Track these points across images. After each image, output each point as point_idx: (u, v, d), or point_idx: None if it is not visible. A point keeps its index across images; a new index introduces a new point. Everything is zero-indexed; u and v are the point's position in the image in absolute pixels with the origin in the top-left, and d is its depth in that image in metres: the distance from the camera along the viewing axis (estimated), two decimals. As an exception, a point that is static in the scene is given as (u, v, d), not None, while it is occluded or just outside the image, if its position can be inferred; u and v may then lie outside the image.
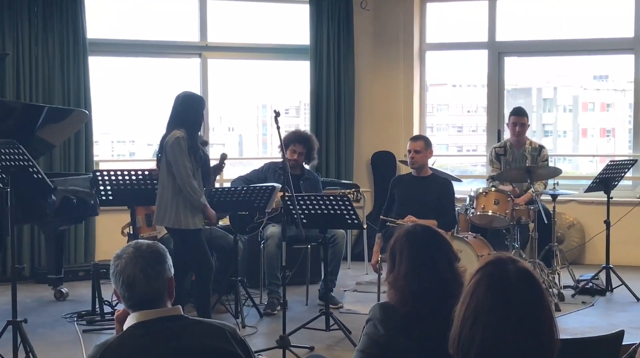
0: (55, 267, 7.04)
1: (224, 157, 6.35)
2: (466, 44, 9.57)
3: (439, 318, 2.67)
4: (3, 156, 5.06)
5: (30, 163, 5.24)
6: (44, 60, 8.06)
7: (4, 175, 5.13)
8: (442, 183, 6.66)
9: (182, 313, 2.57)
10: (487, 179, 7.59)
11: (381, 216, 6.54)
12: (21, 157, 5.14)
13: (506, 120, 8.02)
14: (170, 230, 5.73)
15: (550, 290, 6.73)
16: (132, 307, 2.53)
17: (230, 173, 8.25)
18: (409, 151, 6.59)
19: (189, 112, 5.64)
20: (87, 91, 8.19)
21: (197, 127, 5.70)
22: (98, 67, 8.63)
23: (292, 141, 6.83)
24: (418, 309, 2.82)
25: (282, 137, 6.02)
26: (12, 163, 5.09)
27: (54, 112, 7.10)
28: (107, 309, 6.26)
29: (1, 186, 5.22)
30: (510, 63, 9.34)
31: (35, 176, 5.33)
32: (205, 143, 6.20)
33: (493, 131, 9.10)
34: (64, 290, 7.07)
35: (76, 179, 7.00)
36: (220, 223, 7.03)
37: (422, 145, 6.56)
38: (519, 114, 7.53)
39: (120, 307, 2.64)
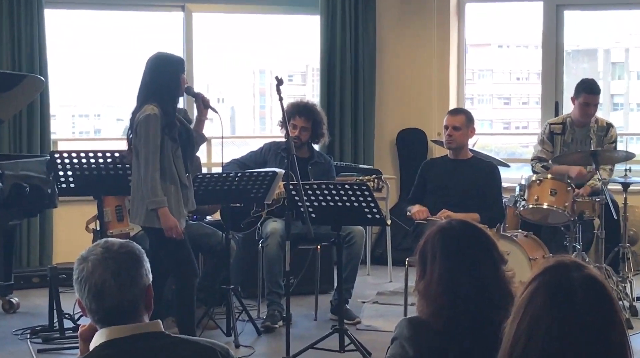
0: (4, 272, 7.06)
1: (194, 94, 5.88)
2: (516, -5, 9.57)
3: (482, 335, 2.69)
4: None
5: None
6: (-12, 14, 8.08)
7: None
8: (486, 168, 6.67)
9: (162, 329, 2.58)
10: (531, 161, 7.54)
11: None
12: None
13: (566, 92, 7.98)
14: (145, 227, 5.72)
15: (620, 302, 6.73)
16: (101, 322, 2.53)
17: (222, 155, 8.23)
18: (446, 128, 6.59)
19: (161, 80, 5.55)
20: (43, 52, 8.19)
21: (173, 98, 5.61)
22: (56, 23, 8.64)
23: (292, 113, 6.81)
24: (455, 324, 2.83)
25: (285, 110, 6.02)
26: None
27: (1, 79, 7.11)
28: (67, 324, 6.27)
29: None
30: (571, 18, 9.31)
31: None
32: (196, 95, 5.81)
33: (549, 103, 9.07)
34: (15, 299, 7.09)
35: (29, 163, 7.01)
36: (209, 217, 7.04)
37: (463, 120, 6.55)
38: (594, 91, 7.35)
39: (86, 321, 2.65)
